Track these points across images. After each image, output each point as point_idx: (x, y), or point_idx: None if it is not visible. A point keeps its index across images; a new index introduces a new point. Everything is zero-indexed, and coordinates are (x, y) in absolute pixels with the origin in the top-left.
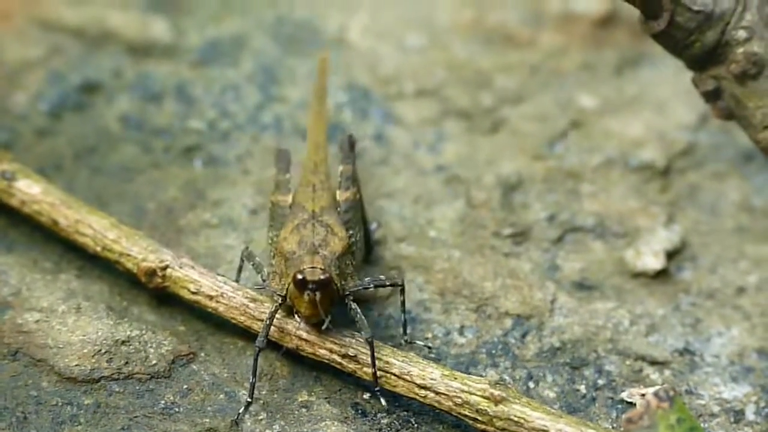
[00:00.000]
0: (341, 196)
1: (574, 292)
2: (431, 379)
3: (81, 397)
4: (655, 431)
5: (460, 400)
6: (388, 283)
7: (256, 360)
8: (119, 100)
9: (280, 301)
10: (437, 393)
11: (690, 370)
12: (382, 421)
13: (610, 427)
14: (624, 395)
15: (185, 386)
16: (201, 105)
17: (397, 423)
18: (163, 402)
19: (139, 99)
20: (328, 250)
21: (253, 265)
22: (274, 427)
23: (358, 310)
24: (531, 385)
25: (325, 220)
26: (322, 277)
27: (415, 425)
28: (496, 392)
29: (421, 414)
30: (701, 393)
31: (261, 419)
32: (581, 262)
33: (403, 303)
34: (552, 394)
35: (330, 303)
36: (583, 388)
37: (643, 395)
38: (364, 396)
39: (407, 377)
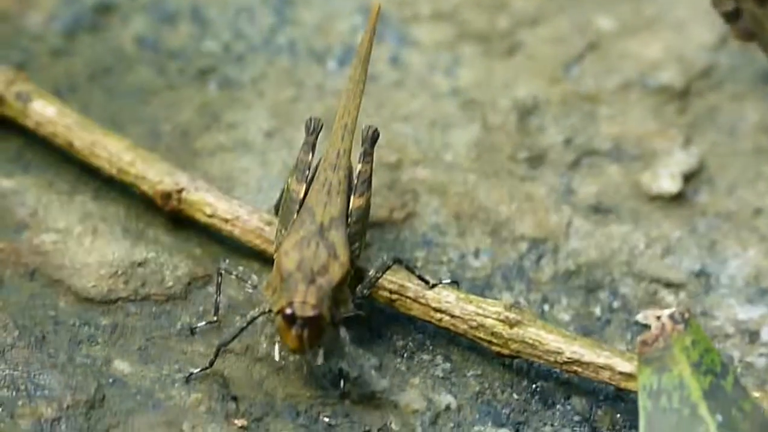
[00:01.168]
0: (354, 202)
1: (589, 216)
2: (446, 302)
3: (98, 317)
4: (669, 353)
5: (475, 323)
6: (380, 274)
7: (216, 354)
8: (134, 20)
9: (266, 310)
10: (452, 316)
11: (705, 292)
12: (397, 344)
13: (625, 349)
14: (639, 317)
15: (201, 308)
16: (216, 27)
17: (412, 345)
18: (179, 323)
19: (154, 20)
20: (326, 279)
21: (236, 276)
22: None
23: (347, 340)
24: (546, 308)
25: (331, 237)
26: (311, 314)
27: (431, 348)
28: (511, 315)
29: (437, 337)
30: (716, 314)
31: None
32: (597, 186)
33: (411, 269)
34: (567, 317)
35: (317, 337)
36: (597, 311)
37: (658, 317)
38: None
39: (422, 300)
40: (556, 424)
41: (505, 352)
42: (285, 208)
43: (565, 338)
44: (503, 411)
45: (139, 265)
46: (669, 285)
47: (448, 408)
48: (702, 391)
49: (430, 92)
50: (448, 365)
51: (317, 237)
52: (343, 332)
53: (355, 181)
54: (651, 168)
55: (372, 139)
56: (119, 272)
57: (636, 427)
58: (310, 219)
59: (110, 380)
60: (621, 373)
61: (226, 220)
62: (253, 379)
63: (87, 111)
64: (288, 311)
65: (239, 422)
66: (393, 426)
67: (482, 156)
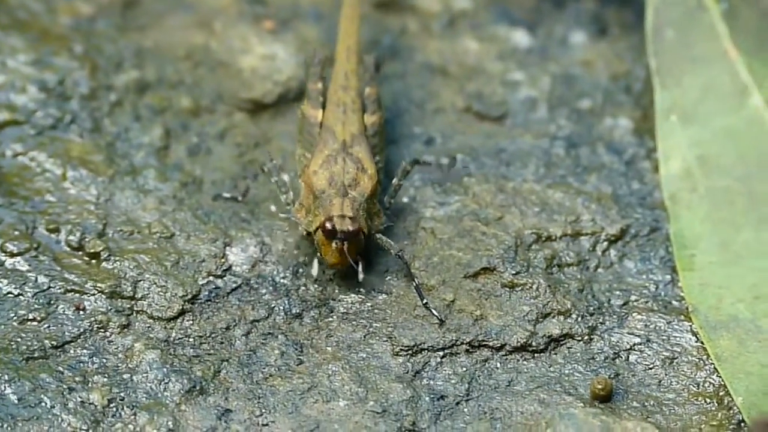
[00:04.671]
0: (368, 120)
1: None
2: None
3: None
4: None
5: None
6: (402, 180)
7: None
8: None
9: (305, 234)
10: None
11: None
12: None
13: None
14: None
15: None
16: None
17: None
18: None
19: None
20: (357, 190)
21: (276, 181)
22: None
23: (384, 238)
24: None
25: (356, 152)
26: (351, 228)
27: None
28: None
29: None
30: None
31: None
32: None
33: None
34: None
35: (357, 249)
36: None
37: None
38: None
39: None
40: (568, 23)
41: None
42: (305, 134)
43: None
44: (517, 13)
45: None
46: None
47: (464, 11)
48: None
49: None
50: None
51: (342, 153)
52: (377, 236)
53: (366, 102)
54: None
55: (375, 65)
56: None
57: (643, 22)
58: (332, 138)
59: None
60: None
61: None
62: None
63: None
64: (328, 226)
65: (268, 24)
66: (411, 27)
67: None
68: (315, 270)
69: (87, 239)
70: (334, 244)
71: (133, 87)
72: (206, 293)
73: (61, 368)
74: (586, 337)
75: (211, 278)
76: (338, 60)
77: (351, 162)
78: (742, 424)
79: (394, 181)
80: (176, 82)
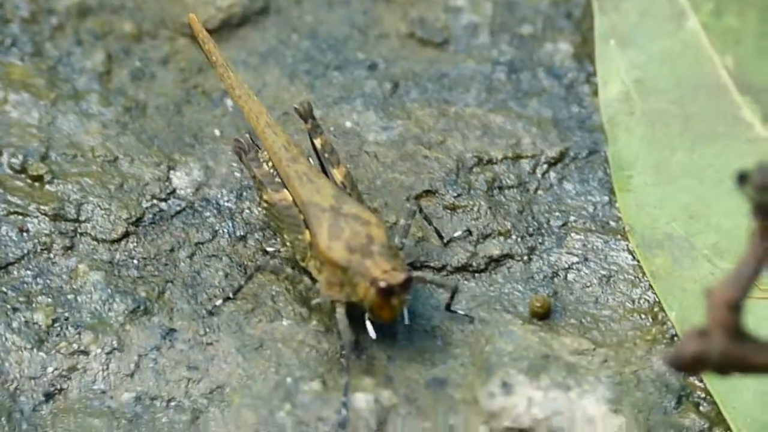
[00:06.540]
0: (336, 175)
1: None
2: None
3: None
4: None
5: None
6: (410, 220)
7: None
8: None
9: (347, 302)
10: None
11: None
12: None
13: None
14: None
15: None
16: None
17: None
18: None
19: None
20: (377, 244)
21: (286, 277)
22: None
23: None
24: None
25: (348, 210)
26: (403, 277)
27: None
28: None
29: None
30: None
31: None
32: None
33: (429, 220)
34: None
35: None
36: None
37: None
38: None
39: None
40: None
41: None
42: (286, 219)
43: None
44: None
45: None
46: None
47: None
48: None
49: None
50: None
51: (339, 218)
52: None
53: (326, 155)
54: None
55: (309, 113)
56: None
57: None
58: (318, 210)
59: None
60: None
61: None
62: None
63: None
64: (382, 285)
65: None
66: None
67: None
68: (372, 332)
69: (30, 162)
70: (393, 300)
71: (74, 11)
72: (150, 216)
73: (4, 289)
74: (525, 257)
75: (155, 201)
76: (266, 139)
77: (352, 221)
78: (675, 338)
79: (402, 222)
80: (118, 6)
